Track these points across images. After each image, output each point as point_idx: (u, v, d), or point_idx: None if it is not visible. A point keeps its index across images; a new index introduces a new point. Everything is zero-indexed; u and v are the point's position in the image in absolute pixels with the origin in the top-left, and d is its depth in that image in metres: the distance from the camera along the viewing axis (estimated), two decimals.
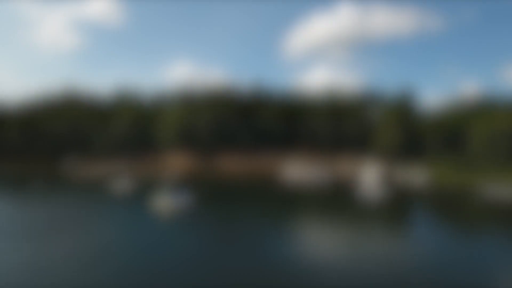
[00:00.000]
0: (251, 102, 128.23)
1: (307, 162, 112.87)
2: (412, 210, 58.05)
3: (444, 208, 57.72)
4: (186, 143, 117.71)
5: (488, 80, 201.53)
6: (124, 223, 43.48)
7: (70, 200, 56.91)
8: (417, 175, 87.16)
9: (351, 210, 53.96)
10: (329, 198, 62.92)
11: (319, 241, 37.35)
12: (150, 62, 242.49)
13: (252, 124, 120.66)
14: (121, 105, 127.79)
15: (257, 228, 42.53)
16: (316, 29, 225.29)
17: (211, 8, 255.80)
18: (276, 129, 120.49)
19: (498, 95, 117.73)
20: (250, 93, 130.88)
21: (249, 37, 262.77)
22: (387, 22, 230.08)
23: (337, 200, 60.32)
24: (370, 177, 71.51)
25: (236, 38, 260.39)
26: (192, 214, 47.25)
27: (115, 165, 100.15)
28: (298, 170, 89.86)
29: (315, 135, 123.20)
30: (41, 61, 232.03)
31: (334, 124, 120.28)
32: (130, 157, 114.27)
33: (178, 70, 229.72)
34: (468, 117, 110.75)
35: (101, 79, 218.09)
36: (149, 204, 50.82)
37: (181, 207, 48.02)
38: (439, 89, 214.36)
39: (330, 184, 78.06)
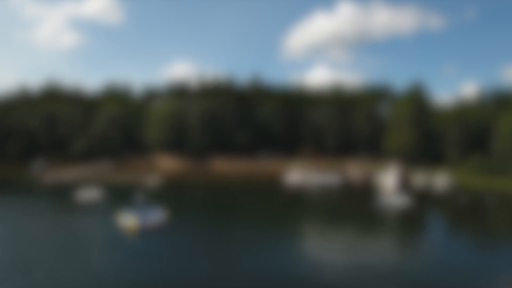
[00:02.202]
0: (250, 94, 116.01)
1: (312, 164, 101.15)
2: (439, 219, 46.60)
3: (474, 217, 46.46)
4: (177, 143, 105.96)
5: (490, 79, 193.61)
6: (74, 243, 32.05)
7: (16, 210, 45.22)
8: (439, 179, 75.56)
9: (375, 221, 42.46)
10: (343, 205, 51.36)
11: (333, 266, 27.96)
12: (149, 62, 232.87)
13: (251, 121, 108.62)
14: (107, 99, 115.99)
15: (246, 251, 31.10)
16: (316, 28, 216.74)
17: (211, 8, 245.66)
18: (276, 127, 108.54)
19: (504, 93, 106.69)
20: (249, 85, 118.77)
21: (249, 37, 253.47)
22: (388, 21, 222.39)
23: (354, 208, 48.79)
24: (390, 181, 59.94)
25: (236, 38, 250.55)
26: (163, 233, 35.70)
27: (92, 168, 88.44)
28: (304, 173, 78.35)
29: (320, 134, 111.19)
30: (39, 60, 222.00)
31: (340, 122, 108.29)
32: (114, 158, 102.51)
33: (178, 69, 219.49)
34: (488, 114, 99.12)
35: (99, 78, 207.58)
36: (113, 221, 39.31)
37: (148, 228, 36.61)
38: (440, 88, 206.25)
39: (340, 188, 66.43)
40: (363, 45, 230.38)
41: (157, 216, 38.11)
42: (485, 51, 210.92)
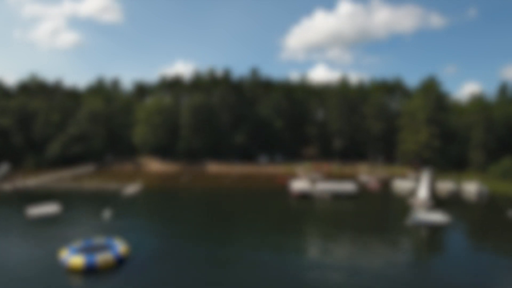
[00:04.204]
0: (249, 87, 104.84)
1: (318, 168, 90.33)
2: (495, 242, 35.48)
3: None
4: (167, 143, 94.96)
5: (490, 79, 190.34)
6: None
7: None
8: (469, 186, 64.91)
9: (412, 242, 31.32)
10: (368, 222, 40.32)
11: None
12: (149, 61, 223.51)
13: (250, 117, 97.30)
14: (90, 93, 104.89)
15: None
16: (316, 28, 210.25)
17: (211, 8, 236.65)
18: (278, 126, 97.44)
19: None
20: (248, 78, 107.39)
21: (249, 37, 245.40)
22: (388, 20, 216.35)
23: (382, 226, 37.76)
24: (421, 192, 49.12)
25: (236, 38, 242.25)
26: (119, 274, 24.84)
27: (67, 173, 77.48)
28: (313, 180, 67.62)
29: (326, 133, 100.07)
30: (39, 59, 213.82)
31: (348, 119, 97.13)
32: (97, 162, 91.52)
33: (178, 69, 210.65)
34: None
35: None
36: (56, 258, 28.40)
37: (98, 268, 25.77)
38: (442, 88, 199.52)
39: (357, 198, 55.51)
40: (363, 45, 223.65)
41: (111, 252, 27.10)
42: (486, 51, 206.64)
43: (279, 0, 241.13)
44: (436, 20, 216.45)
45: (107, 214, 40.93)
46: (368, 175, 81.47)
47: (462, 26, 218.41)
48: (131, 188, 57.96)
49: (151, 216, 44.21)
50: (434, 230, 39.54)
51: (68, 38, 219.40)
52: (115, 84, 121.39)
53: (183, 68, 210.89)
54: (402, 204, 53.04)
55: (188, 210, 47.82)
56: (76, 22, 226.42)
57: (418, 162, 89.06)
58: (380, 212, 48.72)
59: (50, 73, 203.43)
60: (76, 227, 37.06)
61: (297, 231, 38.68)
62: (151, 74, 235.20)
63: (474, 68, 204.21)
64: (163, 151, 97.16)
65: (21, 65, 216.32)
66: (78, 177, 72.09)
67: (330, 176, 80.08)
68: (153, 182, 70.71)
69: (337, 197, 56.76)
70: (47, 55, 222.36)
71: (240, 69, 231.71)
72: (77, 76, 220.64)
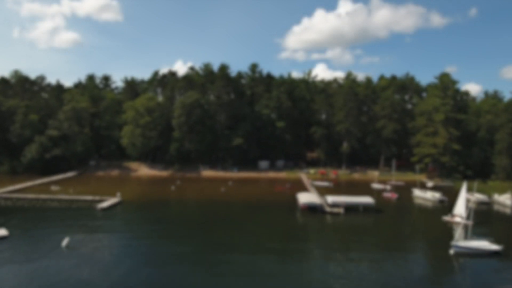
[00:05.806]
0: (249, 84, 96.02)
1: (327, 175, 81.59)
2: None
3: None
4: (158, 145, 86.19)
5: (491, 79, 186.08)
6: None
7: None
8: (503, 197, 56.40)
9: None
10: (386, 242, 31.49)
11: None
12: (149, 62, 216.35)
13: (250, 115, 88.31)
14: (75, 91, 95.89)
15: None
16: (317, 28, 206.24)
17: (211, 8, 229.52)
18: (280, 127, 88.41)
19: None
20: (247, 74, 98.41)
21: (249, 36, 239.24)
22: (388, 20, 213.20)
23: (408, 250, 29.00)
24: (459, 209, 40.42)
25: (236, 38, 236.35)
26: None
27: (42, 181, 68.70)
28: (318, 189, 58.61)
29: (332, 136, 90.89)
30: (38, 59, 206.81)
31: (356, 121, 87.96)
32: (80, 167, 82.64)
33: (177, 70, 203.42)
34: None
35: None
36: None
37: None
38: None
39: (375, 214, 46.76)
40: (363, 45, 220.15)
41: None
42: (486, 51, 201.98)
43: (279, 0, 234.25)
44: (436, 20, 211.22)
45: (66, 242, 32.22)
46: (381, 183, 72.59)
47: (462, 26, 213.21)
48: (108, 202, 49.07)
49: (125, 242, 35.40)
50: (480, 258, 31.07)
51: (67, 37, 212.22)
52: (105, 82, 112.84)
53: (182, 68, 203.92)
54: (432, 221, 44.44)
55: (172, 234, 39.04)
56: (75, 21, 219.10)
57: (436, 168, 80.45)
58: (407, 232, 39.94)
59: (49, 72, 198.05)
60: (18, 265, 28.24)
61: (306, 259, 30.01)
62: (150, 75, 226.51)
63: (474, 68, 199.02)
64: (154, 155, 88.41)
65: (20, 64, 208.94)
66: (55, 185, 63.21)
67: (339, 184, 71.40)
68: (138, 191, 61.85)
69: (352, 210, 48.07)
70: (46, 54, 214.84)
71: (240, 69, 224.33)
72: (76, 76, 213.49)
